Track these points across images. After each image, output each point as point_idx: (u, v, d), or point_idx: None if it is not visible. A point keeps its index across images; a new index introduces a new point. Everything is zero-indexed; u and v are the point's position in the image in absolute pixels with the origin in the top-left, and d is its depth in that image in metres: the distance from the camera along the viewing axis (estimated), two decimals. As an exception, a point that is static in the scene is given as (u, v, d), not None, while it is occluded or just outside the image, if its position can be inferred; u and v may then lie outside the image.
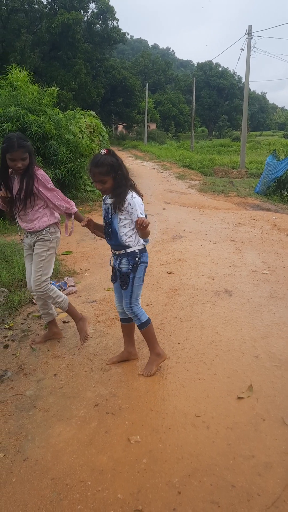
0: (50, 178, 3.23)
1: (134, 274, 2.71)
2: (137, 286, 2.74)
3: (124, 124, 50.68)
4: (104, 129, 13.05)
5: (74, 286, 4.55)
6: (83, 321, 3.24)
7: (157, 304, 4.03)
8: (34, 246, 3.07)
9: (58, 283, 4.48)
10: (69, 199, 3.10)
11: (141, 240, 2.72)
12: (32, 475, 2.02)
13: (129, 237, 2.66)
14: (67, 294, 4.26)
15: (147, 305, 4.00)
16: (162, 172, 18.84)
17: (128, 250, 2.69)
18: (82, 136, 9.84)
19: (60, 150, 8.27)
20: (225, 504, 1.85)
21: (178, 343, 3.28)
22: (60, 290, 4.38)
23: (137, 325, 2.86)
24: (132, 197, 2.56)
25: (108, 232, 2.69)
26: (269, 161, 13.92)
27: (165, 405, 2.52)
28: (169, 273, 4.95)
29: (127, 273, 2.71)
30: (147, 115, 43.88)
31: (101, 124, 12.69)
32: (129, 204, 2.56)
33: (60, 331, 3.42)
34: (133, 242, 2.68)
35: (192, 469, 2.04)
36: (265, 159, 16.50)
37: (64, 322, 3.67)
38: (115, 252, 2.75)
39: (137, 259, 2.71)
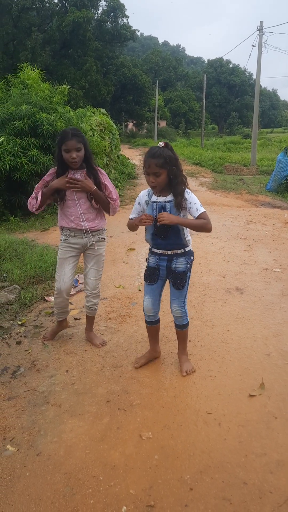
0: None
1: (190, 272, 2.69)
2: (188, 285, 2.73)
3: (134, 122, 50.61)
4: (115, 126, 13.05)
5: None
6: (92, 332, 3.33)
7: (167, 301, 4.01)
8: (90, 246, 3.02)
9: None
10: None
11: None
12: (45, 469, 2.05)
13: (187, 235, 2.62)
14: (78, 291, 4.29)
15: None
16: (172, 170, 18.77)
17: (187, 249, 2.64)
18: (93, 134, 9.85)
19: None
20: (237, 501, 1.85)
21: (189, 341, 3.27)
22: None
23: (181, 325, 2.81)
24: (187, 193, 2.51)
25: (165, 232, 2.54)
26: (281, 158, 13.77)
27: (177, 402, 2.53)
28: (180, 271, 4.94)
29: (185, 272, 2.64)
30: (157, 113, 43.73)
31: (112, 122, 12.69)
32: (186, 199, 2.50)
33: (67, 321, 3.42)
34: (191, 239, 2.67)
35: (203, 466, 2.05)
36: (276, 156, 16.36)
37: (75, 319, 3.70)
38: (170, 252, 2.61)
39: (192, 257, 2.69)
